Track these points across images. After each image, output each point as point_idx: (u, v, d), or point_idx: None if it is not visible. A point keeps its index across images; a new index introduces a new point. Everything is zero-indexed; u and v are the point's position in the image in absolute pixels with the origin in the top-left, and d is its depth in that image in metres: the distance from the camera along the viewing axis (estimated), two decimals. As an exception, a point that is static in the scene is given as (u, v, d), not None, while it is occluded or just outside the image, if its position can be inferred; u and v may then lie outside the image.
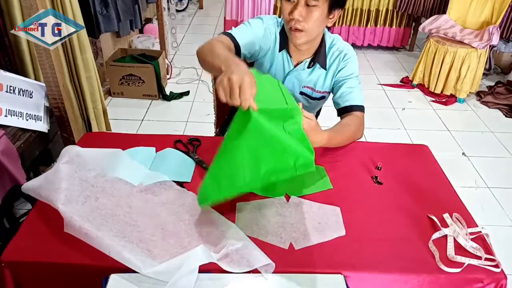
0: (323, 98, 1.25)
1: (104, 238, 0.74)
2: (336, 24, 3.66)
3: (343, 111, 1.16)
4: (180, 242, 0.78)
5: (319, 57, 1.16)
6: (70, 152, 0.93)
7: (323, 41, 1.15)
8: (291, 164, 0.72)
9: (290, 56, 1.17)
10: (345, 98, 1.16)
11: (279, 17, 1.18)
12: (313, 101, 1.25)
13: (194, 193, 0.91)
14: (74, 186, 0.85)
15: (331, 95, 1.24)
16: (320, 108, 1.44)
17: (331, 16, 1.06)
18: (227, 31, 1.12)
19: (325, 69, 1.18)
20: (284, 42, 1.15)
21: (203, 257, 0.71)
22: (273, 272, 0.74)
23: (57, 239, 0.78)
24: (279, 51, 1.17)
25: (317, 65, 1.17)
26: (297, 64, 1.18)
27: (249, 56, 1.18)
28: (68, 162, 0.90)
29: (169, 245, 0.77)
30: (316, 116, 1.48)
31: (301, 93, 1.23)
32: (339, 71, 1.17)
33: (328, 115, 1.44)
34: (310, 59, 1.17)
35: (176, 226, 0.81)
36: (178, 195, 0.91)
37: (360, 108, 1.15)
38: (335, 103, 1.21)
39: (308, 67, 1.18)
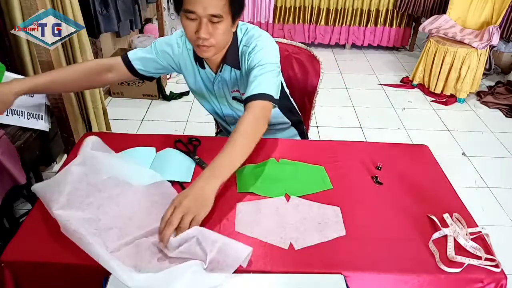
0: None
1: (95, 245, 0.74)
2: (336, 24, 3.66)
3: (245, 104, 1.00)
4: (167, 258, 0.76)
5: (227, 59, 1.08)
6: (85, 153, 0.93)
7: (234, 41, 1.07)
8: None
9: (204, 67, 1.12)
10: (247, 90, 1.01)
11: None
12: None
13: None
14: (79, 191, 0.85)
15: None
16: (292, 108, 1.37)
17: (235, 25, 1.02)
18: (126, 53, 1.14)
19: (238, 68, 1.10)
20: (196, 56, 1.10)
21: (193, 271, 0.70)
22: (273, 272, 0.74)
23: (57, 239, 0.78)
24: (196, 63, 1.13)
25: (228, 67, 1.10)
26: (217, 71, 1.13)
27: (159, 71, 1.17)
28: (80, 164, 0.90)
29: (156, 260, 0.75)
30: (294, 115, 1.38)
31: (233, 98, 1.18)
32: (248, 65, 1.07)
33: (329, 115, 1.44)
34: (220, 62, 1.10)
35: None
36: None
37: (256, 97, 0.97)
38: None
39: (220, 71, 1.12)
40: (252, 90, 0.99)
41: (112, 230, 0.80)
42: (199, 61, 1.12)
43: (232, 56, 1.09)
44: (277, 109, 1.16)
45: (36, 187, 0.89)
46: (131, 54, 1.14)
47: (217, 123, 1.56)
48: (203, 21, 0.94)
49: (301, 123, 1.43)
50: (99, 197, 0.86)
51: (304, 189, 0.95)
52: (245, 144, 0.91)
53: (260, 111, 0.96)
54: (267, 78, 1.01)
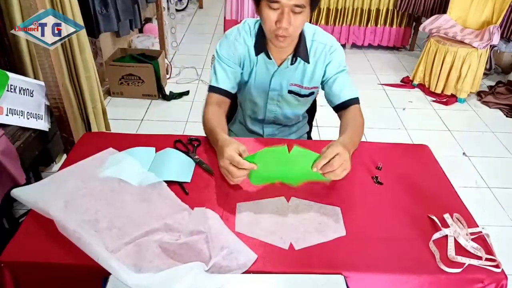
0: (312, 94, 1.23)
1: (94, 245, 0.74)
2: (337, 24, 3.66)
3: (340, 107, 1.16)
4: (170, 258, 0.76)
5: (299, 52, 1.13)
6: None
7: (301, 35, 1.11)
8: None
9: (270, 58, 1.14)
10: (340, 95, 1.15)
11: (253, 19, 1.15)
12: (302, 98, 1.23)
13: (189, 205, 0.88)
14: (76, 200, 0.85)
15: (322, 91, 1.24)
16: (314, 106, 1.43)
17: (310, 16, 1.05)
18: (211, 84, 1.17)
19: (308, 62, 1.15)
20: (261, 45, 1.13)
21: (194, 273, 0.70)
22: (273, 273, 0.74)
23: (56, 239, 0.78)
24: (257, 54, 1.15)
25: (300, 60, 1.15)
26: (281, 64, 1.16)
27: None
28: (74, 170, 0.91)
29: (158, 259, 0.75)
30: (312, 114, 1.46)
31: (290, 91, 1.21)
32: (327, 66, 1.16)
33: (329, 115, 1.44)
34: (291, 55, 1.13)
35: (170, 244, 0.78)
36: (174, 208, 0.88)
37: (356, 101, 1.16)
38: (330, 101, 1.20)
39: (291, 64, 1.15)
40: (349, 93, 1.15)
41: (111, 230, 0.80)
42: (264, 52, 1.13)
43: (303, 49, 1.13)
44: (306, 104, 1.29)
45: (18, 192, 0.86)
46: (214, 82, 1.16)
47: None
48: (285, 10, 0.96)
49: (310, 120, 1.48)
50: (95, 204, 0.86)
51: (301, 179, 0.94)
52: (360, 135, 1.08)
53: (361, 113, 1.15)
54: (352, 82, 1.17)
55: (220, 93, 1.15)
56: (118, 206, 0.86)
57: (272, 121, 1.31)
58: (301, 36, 1.11)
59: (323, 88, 1.22)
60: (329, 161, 0.86)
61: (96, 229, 0.79)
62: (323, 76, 1.18)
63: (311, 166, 0.88)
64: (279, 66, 1.16)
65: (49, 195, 0.85)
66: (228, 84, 1.16)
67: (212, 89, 1.16)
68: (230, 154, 0.88)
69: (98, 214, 0.83)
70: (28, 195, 0.85)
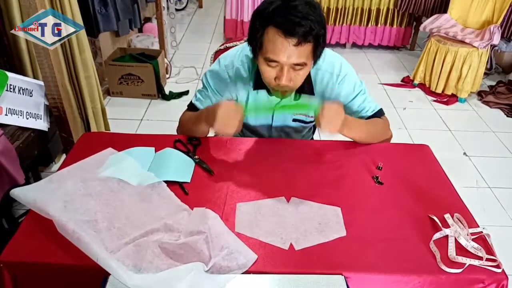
0: None
1: (94, 245, 0.73)
2: (337, 24, 3.65)
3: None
4: (169, 258, 0.76)
5: (303, 88, 1.04)
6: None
7: None
8: None
9: (271, 94, 1.07)
10: (361, 115, 1.12)
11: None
12: (307, 124, 1.20)
13: (189, 206, 0.88)
14: (75, 201, 0.85)
15: None
16: None
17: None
18: (193, 102, 1.16)
19: (313, 94, 1.08)
20: (261, 83, 1.03)
21: (194, 274, 0.70)
22: (273, 273, 0.74)
23: (56, 239, 0.78)
24: (255, 89, 1.08)
25: (304, 95, 1.08)
26: (283, 97, 1.06)
27: None
28: (73, 171, 0.91)
29: (158, 259, 0.75)
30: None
31: (294, 120, 1.16)
32: (338, 95, 1.08)
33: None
34: (294, 91, 1.05)
35: (170, 244, 0.78)
36: (174, 208, 0.87)
37: (379, 113, 1.13)
38: None
39: (295, 100, 1.08)
40: (369, 111, 1.12)
41: (111, 230, 0.79)
42: (266, 89, 1.06)
43: (307, 82, 1.05)
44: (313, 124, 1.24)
45: (18, 192, 0.86)
46: (199, 104, 1.15)
47: None
48: (285, 68, 0.90)
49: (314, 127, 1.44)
50: (94, 205, 0.85)
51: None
52: (374, 127, 1.09)
53: (387, 122, 1.15)
54: (369, 96, 1.14)
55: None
56: (118, 206, 0.86)
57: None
58: None
59: None
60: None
61: (96, 229, 0.79)
62: None
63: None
64: (281, 99, 1.07)
65: (48, 195, 0.85)
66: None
67: (192, 107, 1.15)
68: (225, 106, 0.90)
69: (98, 214, 0.83)
70: (28, 195, 0.85)
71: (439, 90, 2.97)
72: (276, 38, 0.87)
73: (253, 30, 0.91)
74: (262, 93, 1.09)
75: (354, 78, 1.10)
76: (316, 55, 0.93)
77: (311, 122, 1.19)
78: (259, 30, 0.89)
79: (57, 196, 0.85)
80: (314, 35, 0.87)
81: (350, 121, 1.01)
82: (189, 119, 1.12)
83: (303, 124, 1.19)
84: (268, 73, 0.94)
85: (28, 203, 0.84)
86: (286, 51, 0.87)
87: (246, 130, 1.25)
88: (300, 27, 0.85)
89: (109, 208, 0.85)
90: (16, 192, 0.86)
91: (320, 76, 1.07)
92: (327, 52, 1.04)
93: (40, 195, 0.84)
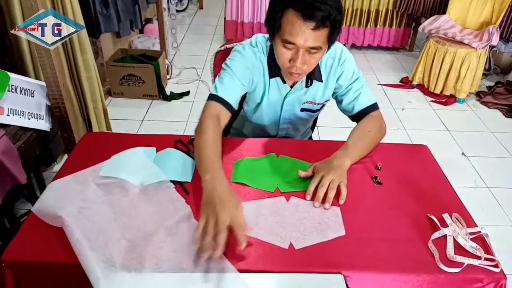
0: (323, 106, 1.22)
1: (90, 261, 0.72)
2: (336, 24, 3.66)
3: (357, 117, 1.15)
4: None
5: (314, 74, 1.09)
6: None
7: None
8: None
9: (285, 82, 1.11)
10: (355, 104, 1.13)
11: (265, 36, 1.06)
12: (314, 113, 1.22)
13: (190, 206, 0.88)
14: (91, 209, 0.84)
15: (335, 101, 1.21)
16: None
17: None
18: (213, 93, 1.03)
19: (321, 81, 1.12)
20: (275, 70, 1.08)
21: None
22: (273, 272, 0.74)
23: (57, 239, 0.79)
24: (270, 77, 1.10)
25: (314, 81, 1.12)
26: (293, 85, 1.12)
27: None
28: (99, 185, 0.90)
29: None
30: (315, 120, 1.44)
31: (302, 109, 1.19)
32: (338, 78, 1.12)
33: (329, 115, 1.44)
34: (305, 78, 1.09)
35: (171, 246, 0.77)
36: (177, 212, 0.87)
37: (374, 107, 1.14)
38: (345, 111, 1.18)
39: (306, 86, 1.12)
40: (364, 101, 1.13)
41: (121, 241, 0.78)
42: (279, 76, 1.09)
43: (317, 69, 1.08)
44: (317, 114, 1.26)
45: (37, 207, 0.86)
46: (221, 91, 1.03)
47: None
48: (300, 51, 0.92)
49: (313, 125, 1.46)
50: (109, 212, 0.84)
51: (296, 185, 0.95)
52: (370, 140, 1.07)
53: (380, 119, 1.13)
54: (367, 89, 1.14)
55: (224, 104, 1.02)
56: (132, 216, 0.84)
57: (283, 136, 1.29)
58: None
59: (336, 101, 1.19)
60: (318, 184, 0.90)
61: (106, 236, 0.78)
62: (336, 90, 1.15)
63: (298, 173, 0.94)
64: (291, 87, 1.12)
65: (65, 198, 0.85)
66: (233, 98, 1.05)
67: (214, 98, 1.03)
68: (237, 216, 0.76)
69: (111, 223, 0.82)
70: (46, 204, 0.85)
71: (437, 91, 2.98)
72: (295, 21, 0.89)
73: (273, 11, 0.93)
74: (276, 81, 1.11)
75: (353, 64, 1.13)
76: (331, 40, 0.95)
77: (317, 110, 1.21)
78: (279, 11, 0.91)
79: (73, 201, 0.84)
80: (332, 20, 0.89)
81: (352, 154, 1.00)
82: (197, 151, 0.95)
83: (310, 113, 1.21)
84: (284, 55, 0.95)
85: (45, 211, 0.84)
86: (304, 34, 0.89)
87: (254, 126, 1.26)
88: (319, 11, 0.87)
89: (123, 218, 0.84)
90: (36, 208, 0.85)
91: (325, 61, 1.11)
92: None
93: (57, 200, 0.84)
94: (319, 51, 0.94)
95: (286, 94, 1.14)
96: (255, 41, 1.11)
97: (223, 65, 1.09)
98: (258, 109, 1.19)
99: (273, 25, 0.94)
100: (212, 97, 1.04)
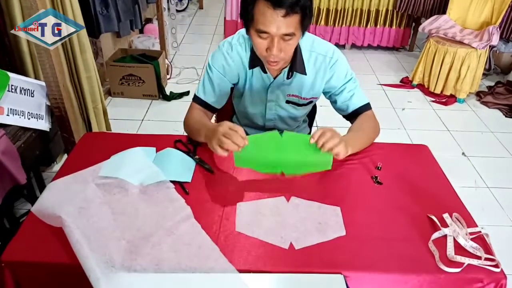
0: (310, 102, 1.22)
1: (90, 261, 0.72)
2: (336, 25, 3.66)
3: (351, 116, 1.17)
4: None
5: (295, 66, 1.10)
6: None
7: (297, 47, 1.07)
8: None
9: (266, 72, 1.13)
10: (348, 104, 1.16)
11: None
12: (300, 107, 1.23)
13: (190, 206, 0.88)
14: (91, 210, 0.84)
15: (327, 101, 1.23)
16: (314, 109, 1.43)
17: (302, 36, 1.02)
18: (196, 95, 1.19)
19: (305, 73, 1.12)
20: (256, 60, 1.10)
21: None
22: (273, 272, 0.74)
23: (57, 239, 0.79)
24: (250, 68, 1.13)
25: (296, 73, 1.12)
26: (276, 76, 1.14)
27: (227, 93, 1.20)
28: (98, 185, 0.90)
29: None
30: (312, 117, 1.46)
31: (287, 101, 1.20)
32: (330, 79, 1.14)
33: (329, 115, 1.44)
34: (287, 69, 1.11)
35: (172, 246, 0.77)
36: (177, 212, 0.87)
37: (367, 107, 1.16)
38: (340, 110, 1.20)
39: (288, 78, 1.13)
40: (357, 101, 1.16)
41: (120, 242, 0.78)
42: (259, 66, 1.12)
43: (299, 61, 1.11)
44: (306, 110, 1.28)
45: (36, 208, 0.86)
46: (201, 93, 1.18)
47: (217, 122, 1.55)
48: (275, 39, 0.95)
49: (311, 123, 1.48)
50: (109, 213, 0.84)
51: (302, 168, 0.94)
52: (367, 136, 1.12)
53: (374, 118, 1.17)
54: (360, 88, 1.17)
55: (203, 105, 1.18)
56: (133, 216, 0.84)
57: (272, 128, 1.30)
58: (297, 49, 1.08)
59: (330, 101, 1.21)
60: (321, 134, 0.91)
61: (106, 236, 0.78)
62: (328, 90, 1.17)
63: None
64: (274, 78, 1.14)
65: (65, 199, 0.84)
66: (213, 98, 1.17)
67: (196, 99, 1.19)
68: (227, 123, 0.91)
69: (111, 223, 0.82)
70: (45, 205, 0.85)
71: (438, 91, 2.98)
72: (266, 10, 0.91)
73: (245, 3, 0.97)
74: (258, 71, 1.14)
75: (346, 65, 1.15)
76: (304, 25, 0.97)
77: (304, 104, 1.22)
78: (250, 3, 0.94)
79: (73, 201, 0.84)
80: (301, 6, 0.92)
81: (350, 138, 1.03)
82: (192, 127, 1.13)
83: (296, 106, 1.22)
84: (260, 44, 0.99)
85: (45, 211, 0.84)
86: (275, 22, 0.92)
87: (241, 116, 1.32)
88: None
89: (123, 218, 0.84)
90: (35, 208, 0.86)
91: (314, 57, 1.12)
92: (321, 40, 1.15)
93: (56, 200, 0.84)
94: (293, 37, 0.96)
95: (270, 84, 1.16)
96: (238, 35, 1.15)
97: (206, 65, 1.19)
98: (242, 98, 1.24)
99: (247, 17, 0.97)
100: (194, 99, 1.20)
